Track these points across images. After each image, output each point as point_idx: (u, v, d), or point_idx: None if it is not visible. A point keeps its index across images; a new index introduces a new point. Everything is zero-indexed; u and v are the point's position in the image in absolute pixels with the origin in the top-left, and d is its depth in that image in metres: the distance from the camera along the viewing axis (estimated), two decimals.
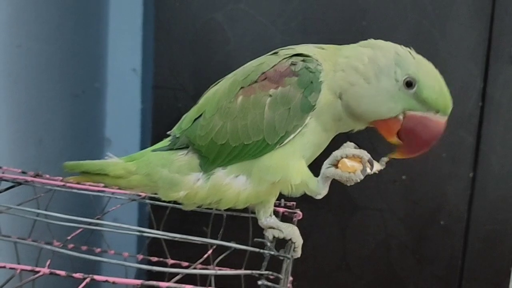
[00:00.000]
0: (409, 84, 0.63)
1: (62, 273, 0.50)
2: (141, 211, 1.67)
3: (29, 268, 0.51)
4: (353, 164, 0.63)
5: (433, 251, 1.31)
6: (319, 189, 0.66)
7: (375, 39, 1.21)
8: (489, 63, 1.25)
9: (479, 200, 1.29)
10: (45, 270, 0.50)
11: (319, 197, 0.66)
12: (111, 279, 0.50)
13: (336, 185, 0.66)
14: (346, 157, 0.64)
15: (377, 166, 0.65)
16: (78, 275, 0.50)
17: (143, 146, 1.77)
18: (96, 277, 0.50)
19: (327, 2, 1.23)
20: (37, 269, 0.51)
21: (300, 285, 1.26)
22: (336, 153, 0.64)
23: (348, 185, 0.64)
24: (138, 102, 1.76)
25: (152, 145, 1.18)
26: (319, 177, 0.66)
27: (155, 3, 1.27)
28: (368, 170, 0.63)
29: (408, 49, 0.66)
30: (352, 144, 0.65)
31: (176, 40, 1.27)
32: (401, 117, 0.64)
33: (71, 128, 1.53)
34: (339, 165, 0.64)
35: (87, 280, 0.49)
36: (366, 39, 1.21)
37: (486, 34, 1.24)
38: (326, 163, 0.65)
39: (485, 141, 1.26)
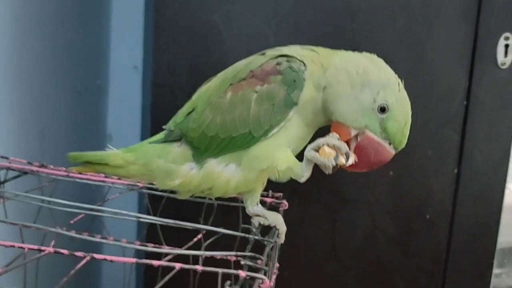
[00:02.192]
0: (382, 109, 0.69)
1: (65, 251, 0.56)
2: (140, 203, 1.73)
3: (35, 247, 0.56)
4: (330, 152, 0.68)
5: (419, 244, 1.35)
6: (303, 171, 0.71)
7: (364, 40, 1.27)
8: (474, 64, 1.29)
9: (463, 195, 1.33)
10: (50, 249, 0.56)
11: (303, 180, 0.72)
12: (109, 257, 0.55)
13: (326, 179, 0.72)
14: (328, 145, 0.69)
15: (353, 160, 0.70)
16: (79, 253, 0.55)
17: None
18: (96, 255, 0.55)
19: (319, 5, 1.27)
20: (43, 248, 0.56)
21: (291, 275, 1.32)
22: (319, 140, 0.70)
23: (327, 172, 0.69)
24: (139, 99, 1.81)
25: None
26: (303, 160, 0.71)
27: (155, 4, 1.31)
28: (342, 160, 0.68)
29: (400, 81, 0.72)
30: (336, 135, 0.70)
31: (175, 40, 1.31)
32: (353, 132, 0.71)
33: (74, 124, 1.58)
34: (320, 151, 0.69)
35: (88, 258, 0.55)
36: (356, 40, 1.27)
37: (472, 37, 1.28)
38: (308, 147, 0.71)
39: (469, 138, 1.31)
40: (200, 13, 1.30)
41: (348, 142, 0.71)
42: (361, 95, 0.70)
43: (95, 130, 1.77)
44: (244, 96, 0.71)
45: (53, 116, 1.44)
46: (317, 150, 0.69)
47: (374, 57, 0.74)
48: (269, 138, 0.71)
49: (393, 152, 0.71)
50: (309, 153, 0.70)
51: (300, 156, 0.75)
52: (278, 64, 0.72)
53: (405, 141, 0.71)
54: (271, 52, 0.75)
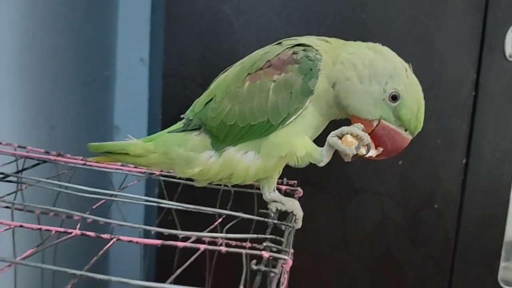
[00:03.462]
0: (393, 98, 0.70)
1: (92, 234, 0.57)
2: (148, 191, 1.74)
3: (62, 229, 0.57)
4: (352, 141, 0.70)
5: (427, 233, 1.37)
6: (322, 156, 0.72)
7: (373, 30, 1.28)
8: (482, 55, 1.30)
9: (471, 185, 1.34)
10: (77, 231, 0.57)
11: (322, 164, 0.73)
12: (134, 239, 0.56)
13: (336, 169, 0.73)
14: (352, 134, 0.71)
15: (374, 152, 0.72)
16: (106, 235, 0.57)
17: (150, 133, 1.82)
18: (122, 237, 0.56)
19: None
20: (70, 230, 0.57)
21: (302, 263, 1.33)
22: (344, 128, 0.71)
23: (345, 160, 0.71)
24: (146, 91, 1.82)
25: (161, 130, 1.24)
26: (325, 145, 0.73)
27: None
28: (363, 151, 0.70)
29: (407, 66, 0.72)
30: (361, 126, 0.71)
31: (185, 31, 1.32)
32: (375, 123, 0.72)
33: (82, 115, 1.60)
34: (342, 139, 0.71)
35: (114, 240, 0.56)
36: (365, 31, 1.28)
37: (480, 28, 1.29)
38: (332, 133, 0.72)
39: (477, 128, 1.32)
40: (210, 4, 1.31)
41: (368, 127, 0.72)
42: (370, 88, 0.70)
43: (102, 121, 1.79)
44: (262, 85, 0.72)
45: (62, 108, 1.46)
46: (340, 138, 0.71)
47: (378, 46, 0.74)
48: (286, 126, 0.72)
49: (409, 138, 0.72)
50: (331, 139, 0.71)
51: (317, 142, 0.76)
52: (294, 53, 0.73)
53: (420, 126, 0.72)
54: (288, 42, 0.76)
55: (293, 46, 0.74)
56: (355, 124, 0.72)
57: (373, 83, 0.70)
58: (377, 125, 0.72)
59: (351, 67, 0.71)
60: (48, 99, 1.37)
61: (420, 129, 0.72)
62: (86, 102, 1.62)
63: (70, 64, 1.49)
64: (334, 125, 0.77)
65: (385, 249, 1.38)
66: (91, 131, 1.68)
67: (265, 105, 0.72)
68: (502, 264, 1.38)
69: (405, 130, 0.72)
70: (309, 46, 0.74)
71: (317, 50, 0.73)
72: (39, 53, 1.30)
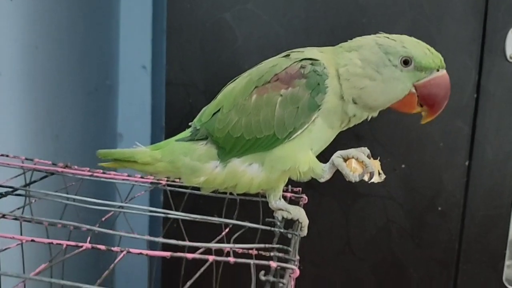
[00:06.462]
0: (406, 62, 0.71)
1: (102, 247, 0.58)
2: (152, 201, 1.75)
3: (73, 243, 0.58)
4: (356, 167, 0.72)
5: (431, 235, 1.37)
6: (324, 173, 0.74)
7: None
8: (483, 57, 1.30)
9: (474, 187, 1.34)
10: (87, 245, 0.58)
11: (323, 180, 0.75)
12: (144, 251, 0.57)
13: (340, 173, 0.74)
14: (357, 159, 0.72)
15: (376, 179, 0.74)
16: (116, 248, 0.57)
17: (153, 140, 1.84)
18: (132, 250, 0.57)
19: (329, 1, 1.29)
20: (80, 244, 0.58)
21: (307, 267, 1.34)
22: (351, 152, 0.73)
23: (346, 179, 0.72)
24: (149, 98, 1.83)
25: (165, 137, 1.24)
26: (328, 162, 0.74)
27: (167, 5, 1.33)
28: (365, 178, 0.72)
29: (383, 34, 0.74)
30: (367, 151, 0.74)
31: (187, 39, 1.33)
32: (413, 90, 0.73)
33: (85, 124, 1.60)
34: (347, 162, 0.72)
35: (124, 252, 0.57)
36: (366, 35, 1.28)
37: (480, 30, 1.29)
38: (338, 154, 0.73)
39: (480, 131, 1.32)
40: (212, 12, 1.31)
41: (413, 99, 0.73)
42: (384, 75, 0.72)
43: (106, 129, 1.80)
44: (269, 99, 0.73)
45: (66, 117, 1.47)
46: (345, 159, 0.72)
47: (351, 43, 0.76)
48: (292, 140, 0.73)
49: (444, 72, 0.74)
50: (337, 160, 0.73)
51: (321, 156, 0.77)
52: (302, 67, 0.73)
53: (440, 56, 0.74)
54: (295, 55, 0.77)
55: (301, 60, 0.75)
56: (362, 148, 0.74)
57: (382, 71, 0.72)
58: (416, 91, 0.73)
59: (355, 77, 0.73)
60: (52, 109, 1.38)
61: (443, 61, 0.74)
62: (90, 111, 1.63)
63: (73, 73, 1.50)
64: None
65: (389, 252, 1.38)
66: (95, 139, 1.69)
67: (271, 119, 0.73)
68: (507, 262, 1.38)
69: (437, 71, 0.73)
70: (317, 60, 0.74)
71: (324, 65, 0.74)
72: (43, 64, 1.31)
